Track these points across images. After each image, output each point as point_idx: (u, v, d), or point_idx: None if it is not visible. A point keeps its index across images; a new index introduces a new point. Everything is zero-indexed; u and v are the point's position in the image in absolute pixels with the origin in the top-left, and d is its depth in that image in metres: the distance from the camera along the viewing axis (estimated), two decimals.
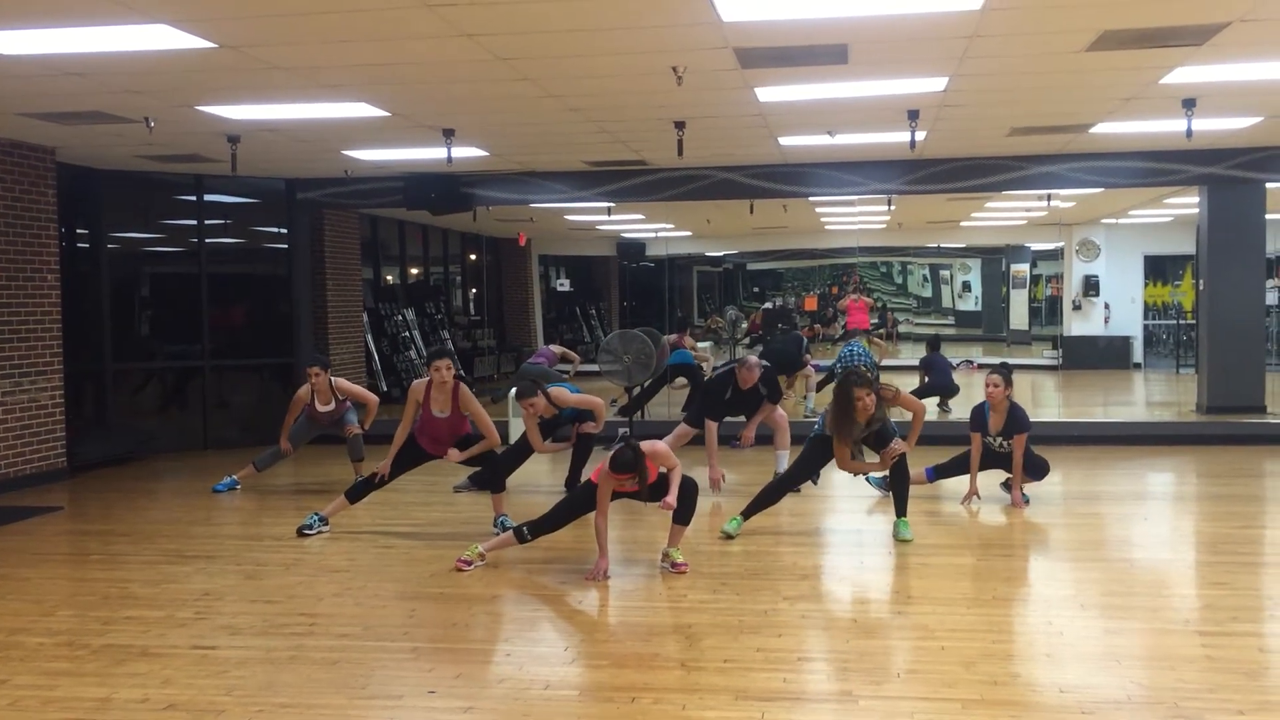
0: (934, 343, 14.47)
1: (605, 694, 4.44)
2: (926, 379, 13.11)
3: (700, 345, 15.94)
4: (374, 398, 9.36)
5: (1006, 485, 8.26)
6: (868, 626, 5.48)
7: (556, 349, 12.50)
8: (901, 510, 7.10)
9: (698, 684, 4.49)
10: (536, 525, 6.36)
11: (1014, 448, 8.00)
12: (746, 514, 7.18)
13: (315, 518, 7.51)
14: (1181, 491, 9.48)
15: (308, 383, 9.07)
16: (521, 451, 8.49)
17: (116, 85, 7.29)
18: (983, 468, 8.13)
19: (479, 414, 7.31)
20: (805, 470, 7.45)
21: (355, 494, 7.54)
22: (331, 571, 6.59)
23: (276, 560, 6.85)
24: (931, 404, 12.74)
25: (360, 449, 9.16)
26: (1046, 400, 16.62)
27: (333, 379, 9.18)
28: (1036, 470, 8.11)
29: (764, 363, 8.82)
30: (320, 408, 9.12)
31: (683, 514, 6.30)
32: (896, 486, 7.15)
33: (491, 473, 7.49)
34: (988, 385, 7.99)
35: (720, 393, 8.74)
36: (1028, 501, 8.14)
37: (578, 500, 6.43)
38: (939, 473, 8.29)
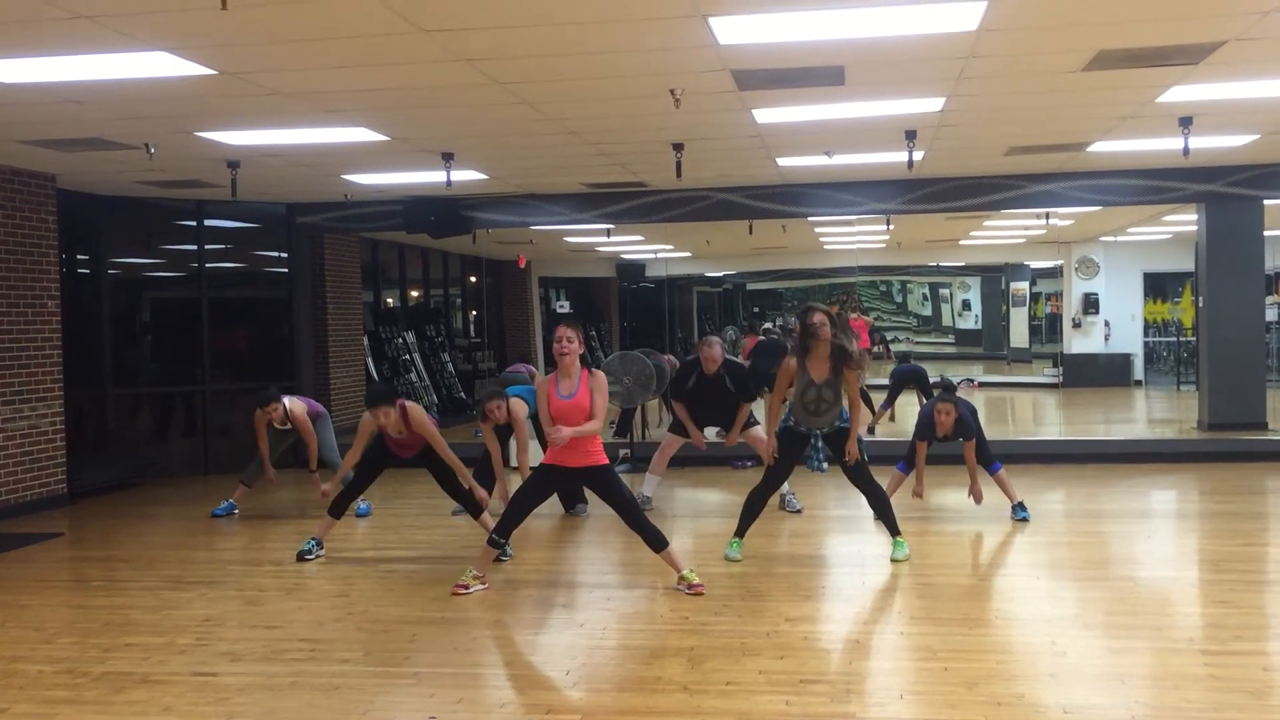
0: (904, 359, 14.85)
1: (607, 717, 4.43)
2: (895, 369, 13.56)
3: None
4: (314, 437, 9.17)
5: (1014, 510, 8.22)
6: (870, 648, 5.47)
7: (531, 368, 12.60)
8: (894, 530, 7.07)
9: (700, 707, 4.47)
10: (502, 527, 6.46)
11: (964, 452, 8.16)
12: (739, 532, 7.15)
13: (312, 542, 7.50)
14: (1184, 509, 9.45)
15: (266, 415, 9.05)
16: (489, 472, 8.48)
17: (117, 112, 7.31)
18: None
19: (434, 438, 7.28)
20: (779, 468, 7.12)
21: (337, 509, 7.57)
22: (332, 596, 6.57)
23: (277, 585, 6.83)
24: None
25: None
26: (1048, 419, 16.63)
27: (286, 402, 9.12)
28: (987, 460, 8.25)
29: (731, 359, 8.75)
30: (279, 426, 9.16)
31: (651, 541, 6.38)
32: (878, 511, 7.13)
33: (463, 501, 7.47)
34: (940, 413, 8.09)
35: (684, 379, 8.73)
36: (1024, 512, 8.12)
37: (529, 488, 6.45)
38: (909, 462, 8.42)
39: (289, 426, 9.17)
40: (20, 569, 7.56)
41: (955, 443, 8.32)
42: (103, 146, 8.45)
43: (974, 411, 8.31)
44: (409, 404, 7.36)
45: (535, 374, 11.39)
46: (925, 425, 8.24)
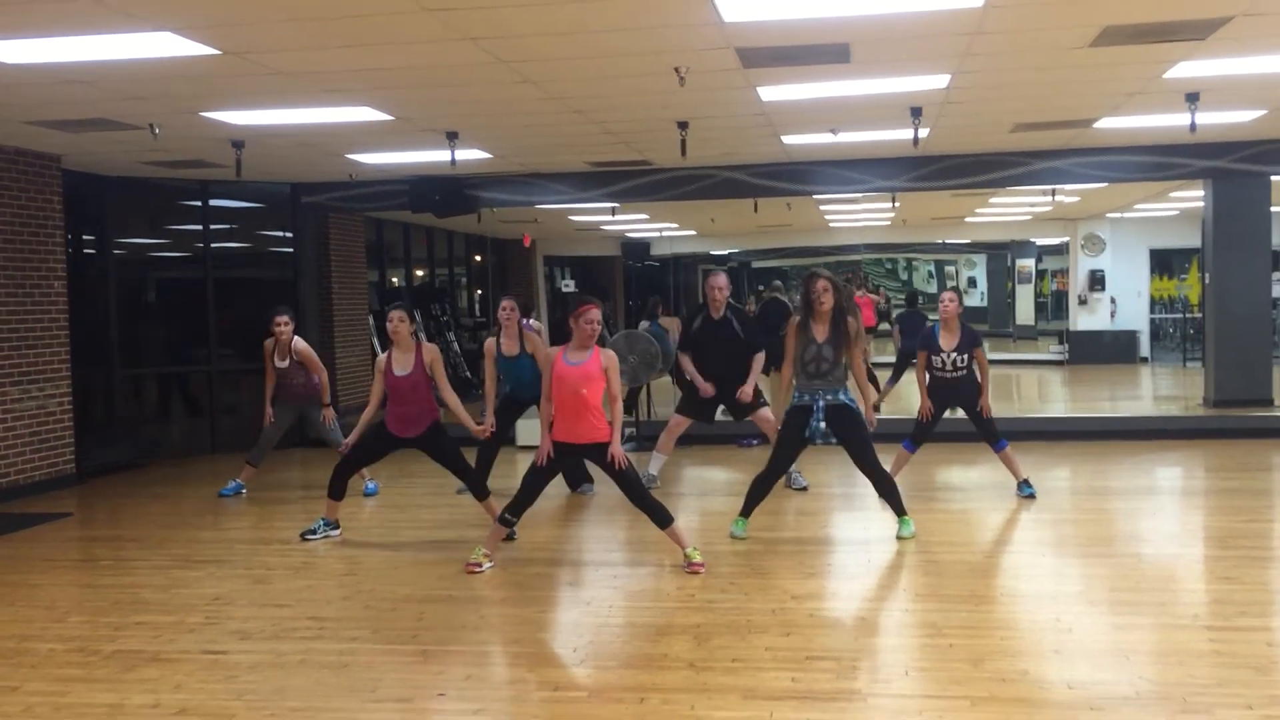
0: (912, 298, 14.32)
1: (614, 694, 4.45)
2: (901, 343, 12.94)
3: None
4: (324, 371, 9.16)
5: (1019, 487, 8.20)
6: (875, 625, 5.49)
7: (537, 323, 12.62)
8: (899, 510, 7.05)
9: (706, 684, 4.50)
10: (514, 507, 6.48)
11: (977, 362, 8.09)
12: (745, 512, 7.16)
13: (321, 522, 7.52)
14: (1189, 486, 9.46)
15: (272, 337, 8.99)
16: (490, 444, 8.48)
17: (121, 93, 7.31)
18: (936, 400, 8.16)
19: (440, 375, 7.25)
20: (787, 449, 7.09)
21: (335, 491, 7.46)
22: (340, 575, 6.61)
23: (285, 564, 6.87)
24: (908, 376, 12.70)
25: (337, 437, 8.94)
26: (1054, 395, 16.62)
27: (295, 337, 9.06)
28: (993, 437, 8.16)
29: (738, 306, 8.57)
30: (278, 363, 9.01)
31: (656, 518, 6.36)
32: (882, 492, 7.06)
33: (469, 482, 7.46)
34: (944, 301, 8.12)
35: (690, 321, 8.61)
36: (1029, 489, 8.12)
37: (539, 465, 6.45)
38: (914, 441, 8.33)
39: (287, 364, 8.97)
40: (30, 549, 7.61)
41: (961, 421, 8.34)
42: (107, 127, 8.45)
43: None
44: (427, 343, 7.34)
45: (541, 329, 11.33)
46: (928, 338, 8.20)
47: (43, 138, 8.99)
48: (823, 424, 6.80)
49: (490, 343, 8.54)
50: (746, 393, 8.16)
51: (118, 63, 6.44)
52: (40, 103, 7.64)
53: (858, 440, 6.92)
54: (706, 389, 8.44)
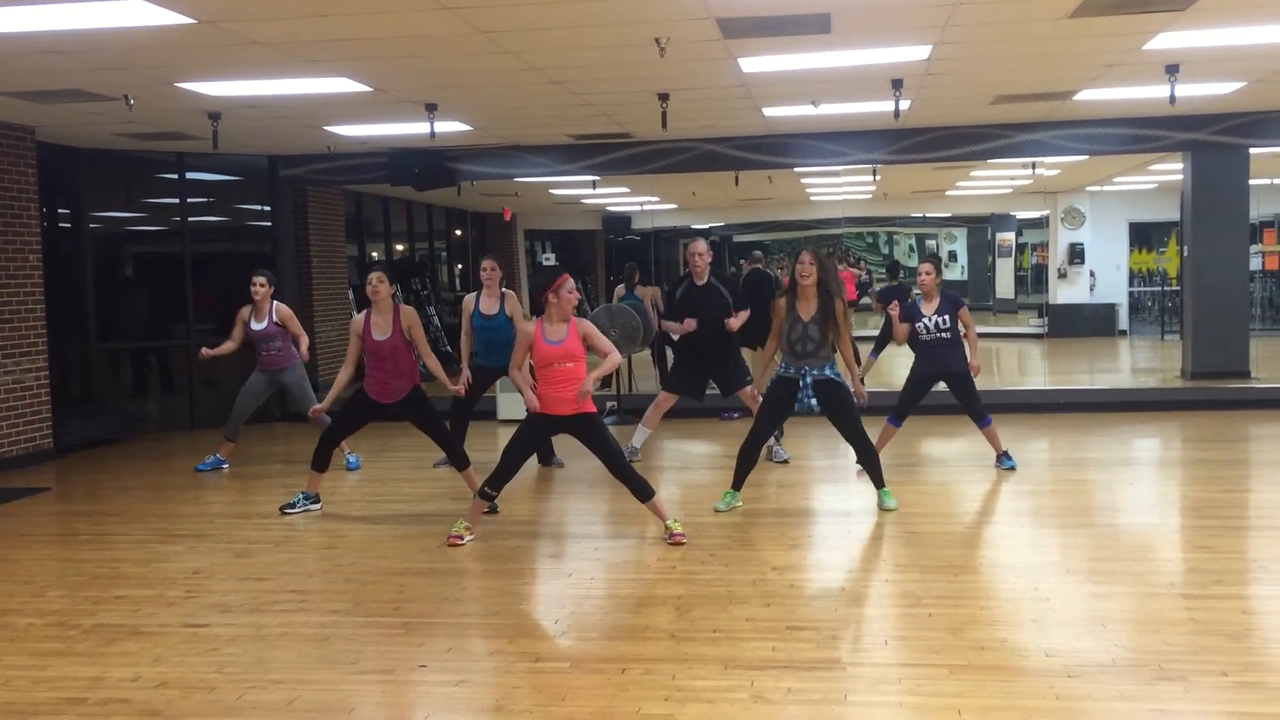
0: (893, 269, 14.16)
1: (596, 665, 4.47)
2: (883, 317, 12.85)
3: None
4: (304, 334, 9.09)
5: (999, 460, 8.25)
6: (855, 595, 5.52)
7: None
8: (879, 482, 7.09)
9: (687, 654, 4.51)
10: (494, 480, 6.43)
11: (962, 323, 8.09)
12: (736, 485, 7.17)
13: (301, 496, 7.50)
14: (1166, 457, 9.54)
15: (250, 304, 8.95)
16: (462, 414, 8.47)
17: (94, 63, 7.21)
18: (923, 367, 8.17)
19: (420, 338, 7.20)
20: (771, 416, 7.14)
21: (319, 461, 7.44)
22: (320, 548, 6.60)
23: (265, 538, 6.85)
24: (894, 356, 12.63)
25: (310, 398, 8.99)
26: (1033, 368, 16.71)
27: (274, 301, 9.03)
28: (977, 414, 8.18)
29: (722, 273, 8.61)
30: (255, 324, 8.95)
31: (637, 491, 6.38)
32: (865, 464, 7.11)
33: (450, 451, 7.43)
34: (921, 274, 8.14)
35: (673, 290, 8.61)
36: (1009, 461, 8.17)
37: (519, 441, 6.45)
38: (899, 414, 8.32)
39: (265, 325, 8.90)
40: (7, 523, 7.57)
41: (941, 394, 8.37)
42: (81, 98, 8.34)
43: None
44: (405, 306, 7.29)
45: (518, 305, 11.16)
46: (910, 310, 8.18)
47: (15, 109, 8.87)
48: (813, 400, 6.84)
49: (468, 299, 8.51)
50: (732, 324, 8.15)
51: (90, 32, 6.35)
52: (12, 73, 7.53)
53: (845, 413, 6.95)
54: (688, 325, 8.33)
